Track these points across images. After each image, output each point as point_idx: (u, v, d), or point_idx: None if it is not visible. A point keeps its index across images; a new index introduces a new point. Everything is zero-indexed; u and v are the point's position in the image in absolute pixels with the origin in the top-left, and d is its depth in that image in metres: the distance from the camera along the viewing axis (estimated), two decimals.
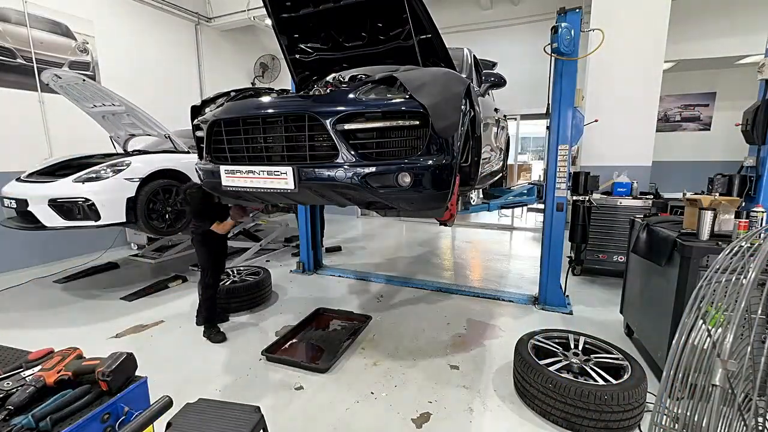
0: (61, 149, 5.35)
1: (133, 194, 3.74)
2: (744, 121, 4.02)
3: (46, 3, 5.13)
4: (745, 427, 1.00)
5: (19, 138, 4.95)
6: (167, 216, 4.06)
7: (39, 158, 5.13)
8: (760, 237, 1.09)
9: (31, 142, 5.05)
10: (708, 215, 2.27)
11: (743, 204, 3.39)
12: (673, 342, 0.94)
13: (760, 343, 1.12)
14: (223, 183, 2.38)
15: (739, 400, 0.90)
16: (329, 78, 3.16)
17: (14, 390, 0.97)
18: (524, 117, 7.56)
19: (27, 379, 1.02)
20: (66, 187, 3.59)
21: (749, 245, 1.04)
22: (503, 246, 6.57)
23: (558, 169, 3.53)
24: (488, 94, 3.80)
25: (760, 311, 0.94)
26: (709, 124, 7.67)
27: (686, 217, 2.54)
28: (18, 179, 3.98)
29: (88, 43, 5.63)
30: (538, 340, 2.55)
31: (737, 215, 2.27)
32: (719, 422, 0.86)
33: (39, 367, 1.07)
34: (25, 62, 4.96)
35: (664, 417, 0.96)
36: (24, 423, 0.87)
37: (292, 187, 2.14)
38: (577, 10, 3.28)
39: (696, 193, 3.49)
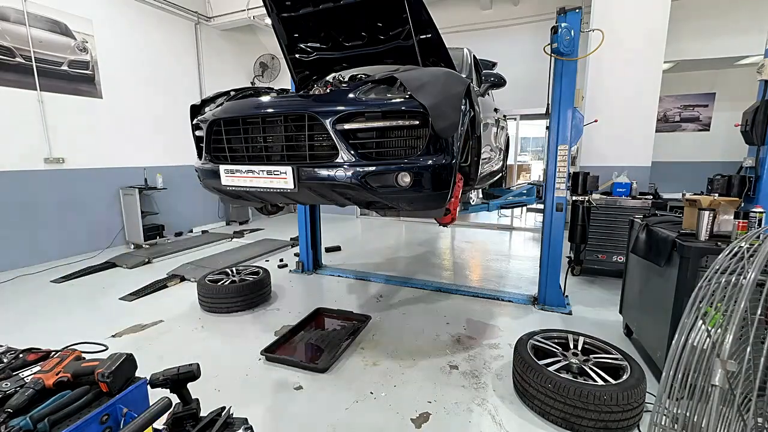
0: (60, 149, 5.35)
1: None
2: (743, 121, 4.02)
3: (45, 2, 5.12)
4: (744, 428, 1.00)
5: (18, 137, 4.93)
6: None
7: (38, 158, 5.14)
8: (759, 238, 1.09)
9: (30, 141, 5.04)
10: (707, 215, 2.27)
11: (742, 204, 3.40)
12: (673, 342, 0.94)
13: (759, 344, 1.12)
14: (223, 182, 2.38)
15: (738, 401, 0.90)
16: (329, 78, 3.15)
17: (13, 392, 0.97)
18: (524, 117, 7.55)
19: (26, 380, 1.01)
20: None
21: (748, 246, 1.04)
22: (503, 246, 6.57)
23: (557, 170, 3.53)
24: (488, 94, 3.80)
25: (759, 311, 0.94)
26: (708, 124, 7.68)
27: (685, 217, 2.54)
28: None
29: (87, 42, 5.62)
30: (538, 340, 2.56)
31: (736, 216, 2.27)
32: (719, 422, 0.86)
33: (38, 369, 1.07)
34: (24, 61, 4.94)
35: (664, 417, 0.96)
36: (22, 425, 0.87)
37: (292, 186, 2.14)
38: (577, 11, 3.28)
39: (695, 194, 3.49)
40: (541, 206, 3.96)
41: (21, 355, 1.19)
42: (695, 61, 6.41)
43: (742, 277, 0.88)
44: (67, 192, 5.47)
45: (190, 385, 1.13)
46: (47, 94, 5.18)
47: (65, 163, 5.42)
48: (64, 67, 5.36)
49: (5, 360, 1.16)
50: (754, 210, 2.19)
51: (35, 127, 5.10)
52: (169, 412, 1.04)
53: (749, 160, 4.02)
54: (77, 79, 5.52)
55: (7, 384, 1.00)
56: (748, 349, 0.89)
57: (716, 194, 3.76)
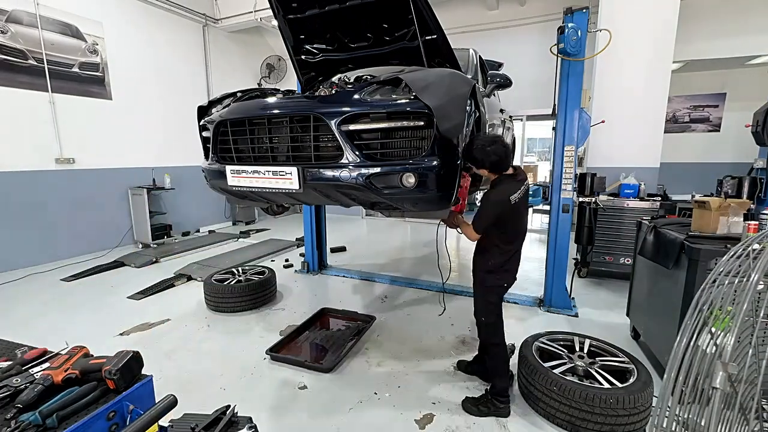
0: (70, 149, 5.43)
1: None
2: (754, 122, 3.97)
3: (56, 5, 5.20)
4: (747, 431, 0.99)
5: (30, 138, 5.02)
6: None
7: (49, 158, 5.22)
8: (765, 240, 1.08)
9: (41, 142, 5.13)
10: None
11: (753, 206, 3.35)
12: (675, 344, 0.93)
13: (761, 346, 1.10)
14: (229, 183, 2.41)
15: (741, 400, 0.89)
16: (335, 79, 3.17)
17: (23, 387, 0.99)
18: (530, 118, 7.51)
19: (36, 377, 1.03)
20: None
21: (755, 247, 1.03)
22: None
23: (564, 171, 3.50)
24: (494, 94, 3.79)
25: (762, 313, 0.92)
26: (718, 125, 7.57)
27: (694, 219, 2.51)
28: None
29: (97, 45, 5.70)
30: (543, 343, 2.54)
31: (747, 217, 2.24)
32: (721, 426, 0.85)
33: (47, 365, 1.09)
34: (36, 63, 5.03)
35: (665, 419, 0.95)
36: (32, 420, 0.88)
37: (297, 187, 2.15)
38: (584, 11, 3.26)
39: (705, 195, 3.45)
40: (547, 207, 3.94)
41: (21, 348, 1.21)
42: (705, 60, 6.33)
43: (745, 279, 0.87)
44: (77, 192, 5.55)
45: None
46: (58, 96, 5.27)
47: (75, 164, 5.50)
48: (75, 69, 5.45)
49: (18, 356, 1.19)
50: (764, 212, 2.16)
51: (47, 128, 5.18)
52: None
53: (760, 161, 3.97)
54: (88, 80, 5.60)
55: (17, 380, 1.02)
56: (750, 351, 0.88)
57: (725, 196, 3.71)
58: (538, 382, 2.19)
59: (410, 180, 1.98)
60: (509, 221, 2.18)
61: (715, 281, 0.96)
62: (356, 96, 2.10)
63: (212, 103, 2.70)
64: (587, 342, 2.54)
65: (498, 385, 2.27)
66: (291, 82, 8.09)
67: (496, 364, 2.31)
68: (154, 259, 5.38)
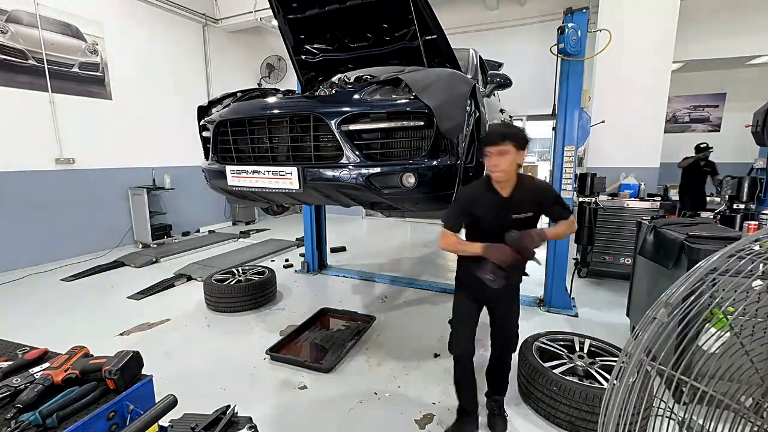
0: (70, 149, 5.43)
1: None
2: (754, 122, 3.98)
3: (56, 5, 5.20)
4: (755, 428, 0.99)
5: (30, 138, 5.02)
6: None
7: (49, 158, 5.22)
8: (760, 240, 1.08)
9: (41, 141, 5.13)
10: None
11: (753, 207, 3.35)
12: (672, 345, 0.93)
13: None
14: (229, 182, 2.41)
15: (743, 406, 0.89)
16: (335, 79, 3.17)
17: (23, 387, 0.99)
18: (530, 118, 7.53)
19: (36, 377, 1.03)
20: None
21: (756, 248, 1.03)
22: None
23: (564, 171, 3.51)
24: (494, 94, 3.79)
25: (757, 312, 0.92)
26: (718, 125, 7.58)
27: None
28: None
29: (97, 45, 5.70)
30: (543, 343, 2.54)
31: (747, 217, 2.24)
32: (722, 426, 0.85)
33: (47, 365, 1.09)
34: (36, 63, 5.03)
35: (666, 420, 0.95)
36: (32, 420, 0.88)
37: (297, 187, 2.15)
38: (584, 11, 3.26)
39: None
40: None
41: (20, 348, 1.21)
42: (705, 60, 6.34)
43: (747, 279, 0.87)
44: (77, 192, 5.55)
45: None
46: (58, 96, 5.26)
47: (75, 164, 5.50)
48: (75, 69, 5.44)
49: (19, 356, 1.19)
50: (764, 212, 2.16)
51: (47, 128, 5.18)
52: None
53: (760, 161, 3.97)
54: (88, 80, 5.60)
55: (17, 380, 1.02)
56: (748, 351, 0.88)
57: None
58: (538, 382, 2.19)
59: (410, 180, 1.99)
60: None
61: (714, 283, 0.96)
62: (356, 96, 2.11)
63: (212, 103, 2.70)
64: (587, 342, 2.54)
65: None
66: (291, 82, 8.08)
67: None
68: (154, 259, 5.38)
